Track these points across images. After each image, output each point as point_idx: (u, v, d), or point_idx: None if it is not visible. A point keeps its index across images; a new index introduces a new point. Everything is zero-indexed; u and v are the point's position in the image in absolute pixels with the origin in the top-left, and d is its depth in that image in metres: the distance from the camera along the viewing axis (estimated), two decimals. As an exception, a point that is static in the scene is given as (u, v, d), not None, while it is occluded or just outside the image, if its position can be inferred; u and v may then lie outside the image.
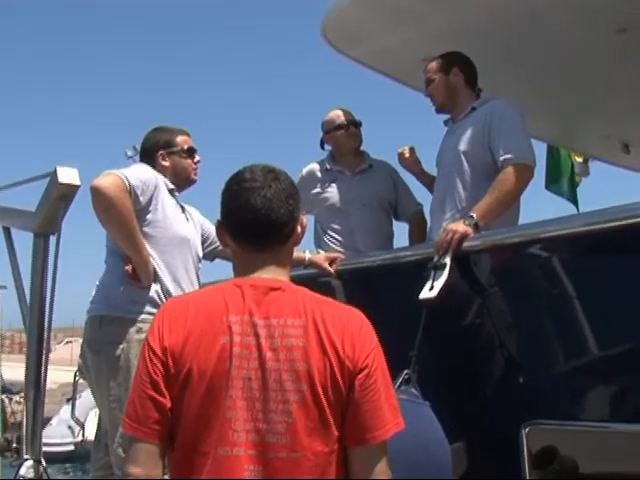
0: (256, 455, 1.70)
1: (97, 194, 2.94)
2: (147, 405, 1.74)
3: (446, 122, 3.72)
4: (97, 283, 3.26)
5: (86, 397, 6.48)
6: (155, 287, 3.12)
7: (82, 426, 6.43)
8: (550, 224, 2.83)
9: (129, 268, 3.08)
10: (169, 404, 1.74)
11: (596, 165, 6.55)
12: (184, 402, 1.73)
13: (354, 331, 1.81)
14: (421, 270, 3.01)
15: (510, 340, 2.95)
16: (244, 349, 1.74)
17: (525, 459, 2.71)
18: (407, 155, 3.96)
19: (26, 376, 3.60)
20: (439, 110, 3.70)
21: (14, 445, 3.56)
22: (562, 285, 2.81)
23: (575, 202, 6.70)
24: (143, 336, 2.74)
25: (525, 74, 4.51)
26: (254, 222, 1.86)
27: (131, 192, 3.01)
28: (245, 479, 1.69)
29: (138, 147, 3.45)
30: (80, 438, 6.32)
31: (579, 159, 6.52)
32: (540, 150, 6.58)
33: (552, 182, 6.66)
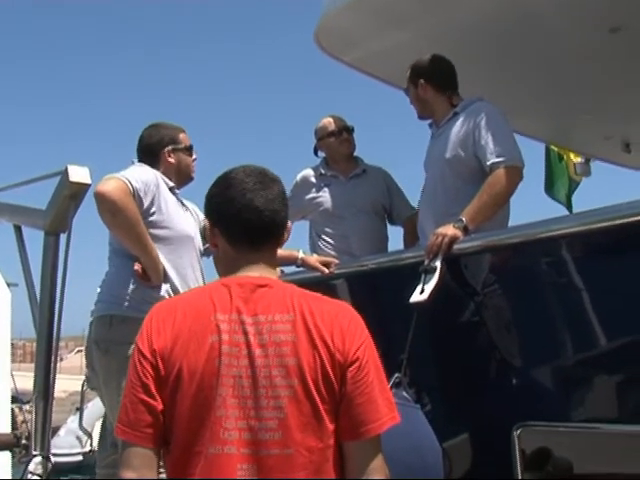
0: (249, 453, 1.69)
1: (102, 200, 2.95)
2: (139, 409, 1.74)
3: (430, 125, 3.72)
4: (101, 283, 3.25)
5: (93, 407, 6.51)
6: (165, 287, 3.12)
7: (90, 436, 6.43)
8: (539, 225, 2.83)
9: (139, 268, 3.08)
10: (161, 407, 1.73)
11: (597, 165, 6.52)
12: (176, 403, 1.73)
13: (343, 324, 1.80)
14: (413, 273, 3.01)
15: (502, 342, 2.95)
16: (233, 347, 1.74)
17: (518, 461, 2.70)
18: None
19: (36, 373, 3.64)
20: (420, 117, 3.70)
21: (23, 442, 3.58)
22: (553, 287, 2.82)
23: (569, 207, 6.64)
24: None
25: (521, 74, 4.51)
26: (258, 223, 1.88)
27: (135, 194, 3.02)
28: (237, 479, 1.68)
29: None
30: (88, 448, 6.32)
31: (579, 159, 6.49)
32: (539, 154, 6.58)
33: (549, 187, 6.64)
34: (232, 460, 1.69)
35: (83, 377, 4.40)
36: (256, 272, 1.88)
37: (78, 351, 43.73)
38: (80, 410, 6.04)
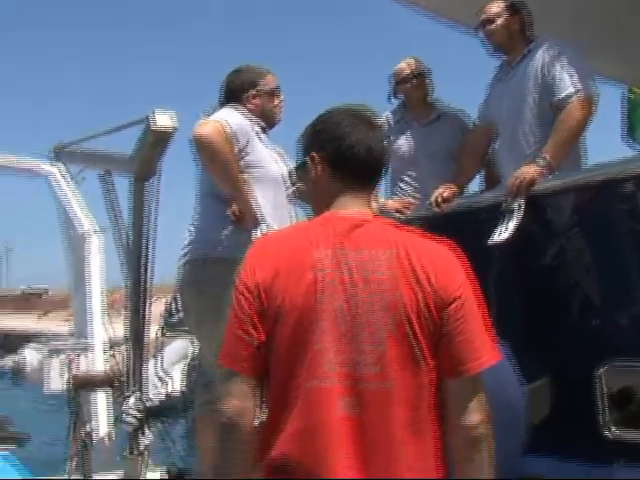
0: (348, 386, 1.70)
1: (201, 143, 2.99)
2: (242, 340, 1.78)
3: (501, 66, 3.66)
4: (191, 227, 3.29)
5: (170, 352, 6.74)
6: (259, 229, 3.13)
7: (168, 381, 6.68)
8: (622, 164, 2.79)
9: (235, 210, 3.11)
10: (263, 338, 1.76)
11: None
12: (276, 337, 1.75)
13: (445, 261, 1.79)
14: (493, 215, 3.01)
15: (587, 280, 2.93)
16: (333, 281, 1.74)
17: (602, 399, 2.71)
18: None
19: (128, 316, 3.78)
20: (495, 50, 3.63)
21: (119, 380, 3.75)
22: (636, 225, 2.77)
23: None
24: None
25: (602, 10, 4.35)
26: (369, 160, 1.89)
27: (231, 137, 3.05)
28: None
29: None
30: (165, 392, 6.56)
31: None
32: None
33: (629, 132, 6.39)
34: (332, 393, 1.71)
35: (158, 325, 4.52)
36: (357, 208, 1.88)
37: (158, 298, 44.77)
38: (158, 355, 6.25)
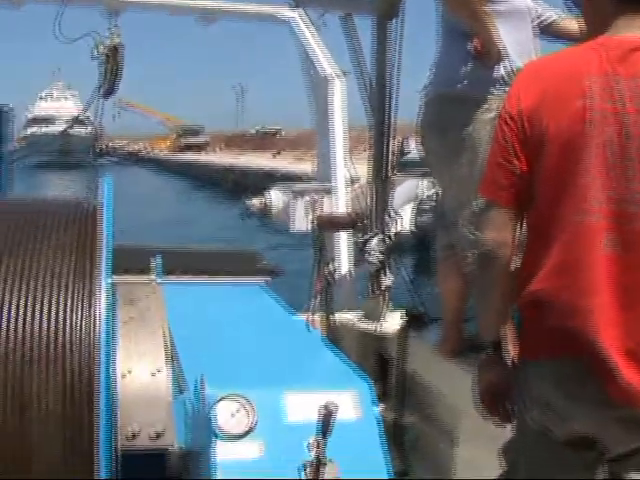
0: (613, 224, 1.64)
1: None
2: (503, 169, 1.75)
3: None
4: (432, 65, 3.19)
5: (400, 192, 6.85)
6: (503, 65, 2.97)
7: (398, 219, 6.86)
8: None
9: (477, 45, 2.96)
10: (525, 167, 1.73)
11: None
12: (539, 166, 1.71)
13: None
14: None
15: None
16: (604, 111, 1.64)
17: None
18: None
19: (371, 157, 3.85)
20: None
21: (361, 221, 3.88)
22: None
23: None
24: (490, 116, 2.75)
25: None
26: None
27: None
28: None
29: None
30: (395, 231, 6.69)
31: None
32: None
33: None
34: (597, 229, 1.65)
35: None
36: (634, 32, 1.70)
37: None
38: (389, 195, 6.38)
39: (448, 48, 3.14)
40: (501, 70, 2.96)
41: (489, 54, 2.95)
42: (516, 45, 3.02)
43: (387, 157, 3.79)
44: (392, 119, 3.75)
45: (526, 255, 1.79)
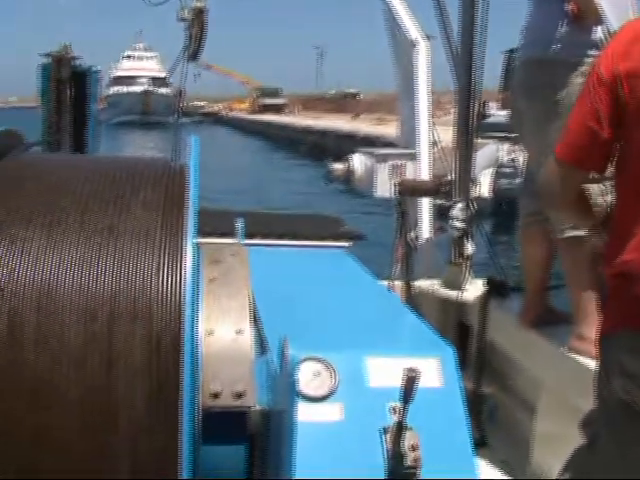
0: None
1: None
2: (584, 135, 1.69)
3: None
4: (525, 26, 3.13)
5: (480, 156, 6.70)
6: (600, 28, 2.87)
7: (476, 184, 6.78)
8: None
9: (573, 7, 2.89)
10: (607, 136, 1.65)
11: None
12: (633, 136, 1.64)
13: None
14: None
15: None
16: None
17: None
18: None
19: (456, 123, 3.79)
20: None
21: (445, 188, 3.83)
22: None
23: None
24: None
25: None
26: None
27: None
28: None
29: None
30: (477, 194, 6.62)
31: None
32: None
33: None
34: None
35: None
36: None
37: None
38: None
39: (542, 10, 3.05)
40: (598, 33, 2.86)
41: (586, 16, 2.86)
42: (613, 7, 2.89)
43: (472, 123, 3.70)
44: (477, 84, 3.67)
45: (616, 225, 1.73)
